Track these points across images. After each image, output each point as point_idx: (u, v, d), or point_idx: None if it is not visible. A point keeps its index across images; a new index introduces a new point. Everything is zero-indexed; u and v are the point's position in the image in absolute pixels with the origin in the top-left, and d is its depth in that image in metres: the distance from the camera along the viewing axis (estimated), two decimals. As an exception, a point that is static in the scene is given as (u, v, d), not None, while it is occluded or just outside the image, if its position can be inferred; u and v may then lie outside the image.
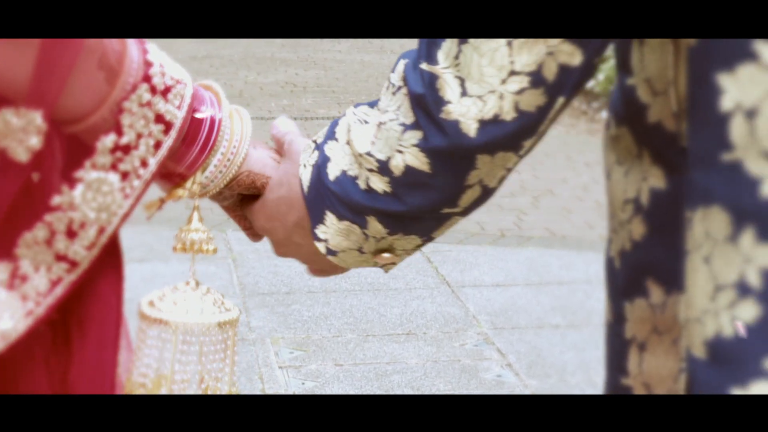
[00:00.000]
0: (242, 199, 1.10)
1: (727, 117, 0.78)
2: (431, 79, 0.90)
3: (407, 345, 3.55)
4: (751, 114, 0.77)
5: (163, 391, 1.02)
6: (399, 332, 3.64)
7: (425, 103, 0.90)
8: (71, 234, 0.98)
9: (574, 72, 0.86)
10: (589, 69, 0.87)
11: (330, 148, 1.00)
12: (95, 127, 0.95)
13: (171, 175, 1.03)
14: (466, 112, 0.88)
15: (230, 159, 1.04)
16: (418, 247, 1.01)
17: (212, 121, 1.02)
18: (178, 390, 1.01)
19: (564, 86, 0.87)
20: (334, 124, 1.01)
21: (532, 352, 3.49)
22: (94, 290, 0.99)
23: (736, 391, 0.78)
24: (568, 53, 0.85)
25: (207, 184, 1.04)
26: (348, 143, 0.98)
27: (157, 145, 0.99)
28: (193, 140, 1.02)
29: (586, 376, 3.30)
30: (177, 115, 0.99)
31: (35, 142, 0.93)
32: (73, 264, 0.99)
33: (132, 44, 0.96)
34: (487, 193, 0.95)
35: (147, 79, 0.97)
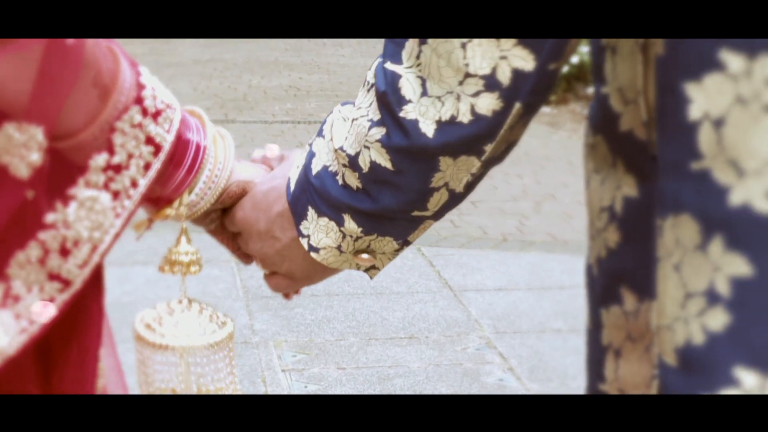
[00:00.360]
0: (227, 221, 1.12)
1: (695, 126, 0.79)
2: (393, 78, 0.91)
3: (409, 348, 3.55)
4: (718, 123, 0.77)
5: None
6: (401, 336, 3.63)
7: (387, 101, 0.92)
8: (65, 252, 0.98)
9: (528, 77, 0.87)
10: (545, 75, 0.87)
11: (316, 144, 1.01)
12: (84, 144, 0.96)
13: (158, 198, 1.04)
14: (425, 111, 0.90)
15: (217, 175, 1.05)
16: (397, 251, 1.02)
17: (197, 145, 1.04)
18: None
19: (519, 92, 0.87)
20: (323, 122, 1.02)
21: (534, 356, 3.49)
22: (76, 303, 0.99)
23: None
24: (521, 57, 0.86)
25: (197, 202, 1.05)
26: (331, 139, 1.00)
27: (147, 167, 1.00)
28: (180, 162, 1.03)
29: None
30: (166, 139, 1.00)
31: (36, 158, 0.93)
32: (66, 283, 0.99)
33: (125, 64, 0.97)
34: (454, 197, 0.96)
35: (139, 101, 0.98)
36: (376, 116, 0.95)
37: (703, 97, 0.78)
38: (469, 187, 0.97)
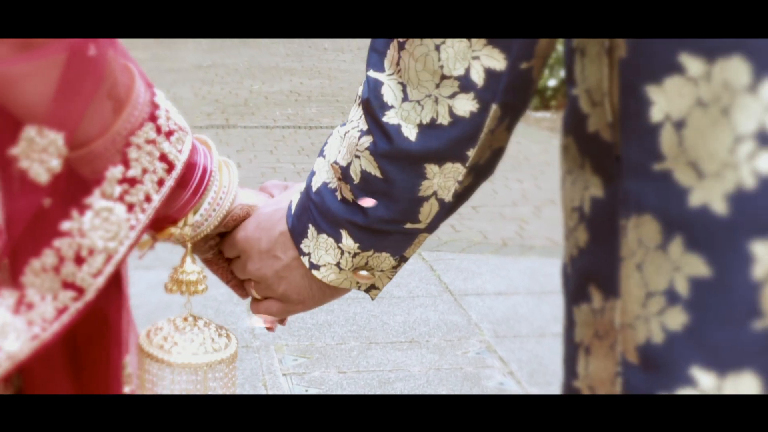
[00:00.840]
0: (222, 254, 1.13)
1: (656, 128, 0.80)
2: (376, 85, 0.93)
3: (410, 353, 3.55)
4: (679, 125, 0.78)
5: None
6: (402, 340, 3.64)
7: (371, 108, 0.93)
8: (79, 261, 0.99)
9: (501, 76, 0.88)
10: (518, 74, 0.88)
11: (317, 164, 1.03)
12: (95, 155, 0.97)
13: (163, 218, 1.05)
14: (407, 116, 0.91)
15: (222, 198, 1.07)
16: (395, 269, 1.02)
17: (204, 168, 1.06)
18: None
19: (494, 91, 0.88)
20: (324, 143, 1.04)
21: (534, 360, 3.49)
22: (100, 310, 1.01)
23: None
24: (492, 57, 0.87)
25: (201, 223, 1.07)
26: (328, 156, 1.02)
27: (161, 182, 1.01)
28: (186, 183, 1.05)
29: (587, 385, 3.30)
30: (179, 158, 1.02)
31: (56, 164, 0.94)
32: (80, 291, 1.00)
33: (140, 82, 0.99)
34: (444, 207, 0.97)
35: (153, 118, 1.00)
36: (365, 125, 0.96)
37: (664, 100, 0.79)
38: (459, 197, 0.98)
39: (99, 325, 1.02)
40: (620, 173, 0.84)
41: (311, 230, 1.01)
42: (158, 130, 1.01)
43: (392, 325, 3.75)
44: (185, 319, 1.06)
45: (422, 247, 4.60)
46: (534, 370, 3.42)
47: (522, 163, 5.68)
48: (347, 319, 3.75)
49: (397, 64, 0.91)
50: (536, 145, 6.16)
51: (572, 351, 0.94)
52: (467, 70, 0.87)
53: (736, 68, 0.76)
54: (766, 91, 0.75)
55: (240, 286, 1.13)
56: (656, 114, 0.79)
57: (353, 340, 3.61)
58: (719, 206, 0.77)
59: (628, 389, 0.83)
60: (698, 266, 0.78)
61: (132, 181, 1.00)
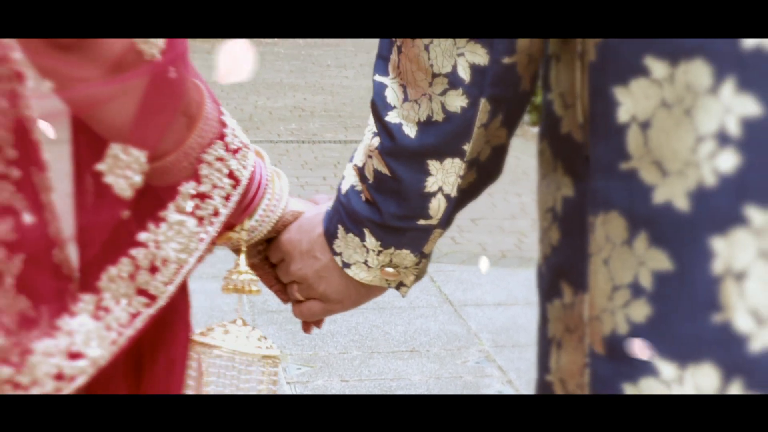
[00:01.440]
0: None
1: (623, 128, 0.82)
2: (380, 88, 0.96)
3: (411, 362, 3.56)
4: (645, 126, 0.80)
5: None
6: (403, 349, 3.65)
7: (377, 109, 0.96)
8: (153, 270, 1.03)
9: (485, 71, 0.90)
10: (501, 69, 0.90)
11: (347, 168, 1.06)
12: (168, 168, 1.01)
13: (223, 225, 1.10)
14: (407, 115, 0.93)
15: (275, 204, 1.11)
16: (416, 264, 1.05)
17: (260, 177, 1.09)
18: None
19: (480, 85, 0.91)
20: (355, 149, 1.08)
21: (532, 369, 3.47)
22: (165, 318, 1.04)
23: (628, 386, 0.82)
24: (475, 53, 0.89)
25: (255, 228, 1.11)
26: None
27: (227, 197, 1.05)
28: (246, 193, 1.09)
29: (584, 393, 3.30)
30: (243, 174, 1.06)
31: (138, 180, 0.98)
32: (152, 298, 1.04)
33: (209, 100, 1.03)
34: (451, 203, 0.99)
35: (222, 136, 1.04)
36: (374, 127, 1.00)
37: (631, 101, 0.81)
38: (465, 193, 1.00)
39: (164, 330, 1.05)
40: (589, 172, 0.86)
41: (341, 230, 1.04)
42: (227, 147, 1.05)
43: (394, 334, 3.76)
44: (234, 322, 1.10)
45: (423, 259, 4.57)
46: (532, 378, 3.40)
47: (521, 177, 5.69)
48: (350, 328, 3.76)
49: (398, 67, 0.94)
50: (534, 159, 6.16)
51: (546, 346, 0.96)
52: (454, 67, 0.90)
53: (698, 71, 0.78)
54: (727, 92, 0.77)
55: (282, 290, 1.17)
56: (623, 115, 0.82)
57: (356, 349, 3.61)
58: (681, 203, 0.79)
59: (594, 379, 0.85)
60: (661, 261, 0.80)
61: (203, 197, 1.04)
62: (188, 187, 1.02)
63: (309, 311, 1.13)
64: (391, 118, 0.95)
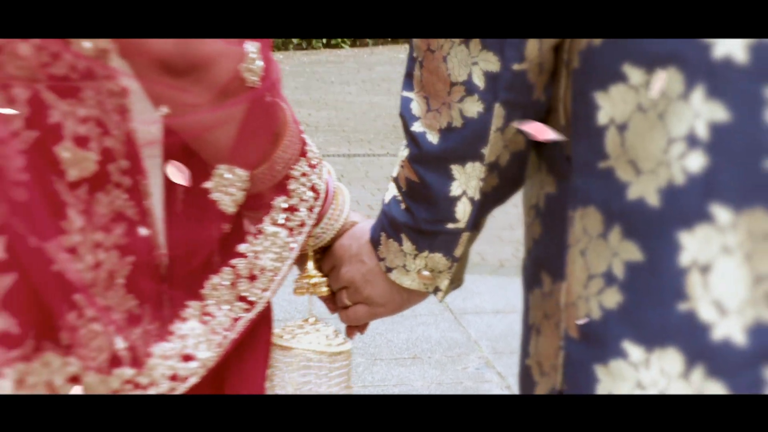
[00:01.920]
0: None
1: (602, 130, 0.87)
2: (407, 102, 1.01)
3: (413, 368, 3.56)
4: (622, 128, 0.85)
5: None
6: (405, 356, 3.65)
7: (404, 121, 1.01)
8: (252, 278, 1.09)
9: (498, 77, 0.94)
10: (512, 75, 0.94)
11: (391, 182, 1.12)
12: (256, 180, 1.06)
13: None
14: (430, 124, 0.98)
15: (339, 214, 1.17)
16: (448, 268, 1.08)
17: (330, 188, 1.16)
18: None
19: (495, 92, 0.95)
20: None
21: (530, 374, 3.50)
22: (251, 321, 1.09)
23: (599, 368, 0.86)
24: (488, 60, 0.93)
25: (320, 234, 1.17)
26: None
27: (311, 209, 1.12)
28: (322, 203, 1.15)
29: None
30: (322, 187, 1.13)
31: (240, 196, 1.04)
32: (251, 304, 1.10)
33: (291, 118, 1.09)
34: (475, 206, 1.03)
35: (304, 154, 1.10)
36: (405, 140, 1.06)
37: (610, 105, 0.86)
38: (488, 197, 1.03)
39: (247, 336, 1.09)
40: (570, 171, 0.91)
41: (383, 237, 1.09)
42: (309, 163, 1.11)
43: (396, 342, 3.76)
44: (306, 321, 1.17)
45: (424, 269, 4.54)
46: (530, 383, 3.43)
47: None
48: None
49: (420, 81, 0.99)
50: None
51: (527, 333, 1.01)
52: (470, 75, 0.94)
53: (671, 78, 0.83)
54: (697, 99, 0.82)
55: (330, 299, 1.22)
56: (602, 118, 0.87)
57: (359, 356, 3.60)
58: (653, 199, 0.84)
59: (568, 361, 0.90)
60: (633, 252, 0.85)
61: (292, 209, 1.10)
62: (280, 201, 1.09)
63: (355, 315, 1.18)
64: (416, 127, 1.01)
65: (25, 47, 0.89)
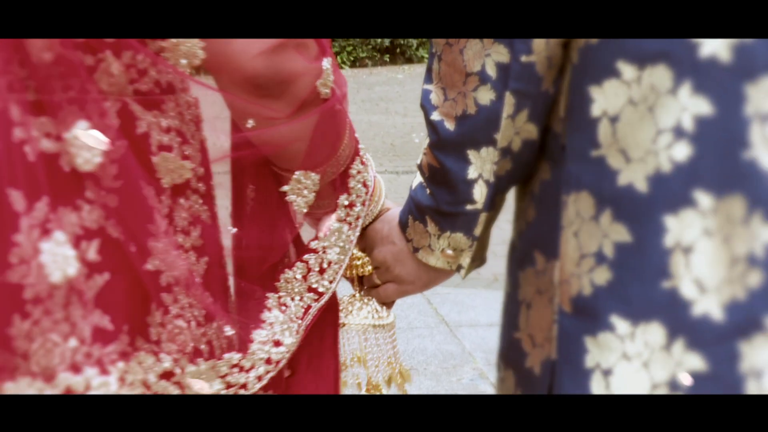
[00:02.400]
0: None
1: (595, 121, 0.92)
2: (426, 93, 1.07)
3: (409, 379, 3.57)
4: (614, 119, 0.91)
5: (362, 370, 1.30)
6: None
7: (425, 111, 1.06)
8: (322, 271, 1.15)
9: (508, 67, 0.99)
10: (521, 66, 0.99)
11: (417, 170, 1.19)
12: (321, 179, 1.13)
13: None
14: (447, 112, 1.03)
15: (377, 201, 1.24)
16: (469, 246, 1.13)
17: (375, 180, 1.24)
18: (372, 366, 1.28)
19: (505, 81, 1.00)
20: None
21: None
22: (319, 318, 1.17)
23: (589, 339, 0.90)
24: (499, 52, 0.99)
25: (364, 222, 1.24)
26: None
27: (363, 204, 1.17)
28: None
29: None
30: (371, 182, 1.21)
31: (312, 197, 1.10)
32: (320, 295, 1.16)
33: (348, 123, 1.16)
34: (491, 188, 1.08)
35: (357, 152, 1.17)
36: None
37: (603, 98, 0.91)
38: (502, 179, 1.08)
39: (318, 322, 1.16)
40: (565, 159, 0.96)
41: (410, 219, 1.16)
42: (361, 161, 1.17)
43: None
44: (354, 297, 1.26)
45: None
46: (523, 394, 3.44)
47: (512, 205, 5.71)
48: (351, 346, 3.77)
49: (439, 73, 1.05)
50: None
51: (515, 308, 1.05)
52: (483, 66, 1.00)
53: (661, 74, 0.88)
54: (684, 93, 0.87)
55: (359, 280, 1.29)
56: (596, 110, 0.92)
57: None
58: (641, 185, 0.89)
59: (561, 333, 0.94)
60: (622, 233, 0.90)
61: (351, 205, 1.17)
62: (342, 199, 1.16)
63: (385, 293, 1.25)
64: (435, 116, 1.07)
65: (116, 65, 0.94)
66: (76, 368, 0.89)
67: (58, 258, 0.87)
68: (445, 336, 3.97)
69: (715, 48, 0.86)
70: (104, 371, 0.91)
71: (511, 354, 1.06)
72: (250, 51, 0.97)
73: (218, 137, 1.08)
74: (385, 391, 1.27)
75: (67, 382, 0.90)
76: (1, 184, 0.84)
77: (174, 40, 0.95)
